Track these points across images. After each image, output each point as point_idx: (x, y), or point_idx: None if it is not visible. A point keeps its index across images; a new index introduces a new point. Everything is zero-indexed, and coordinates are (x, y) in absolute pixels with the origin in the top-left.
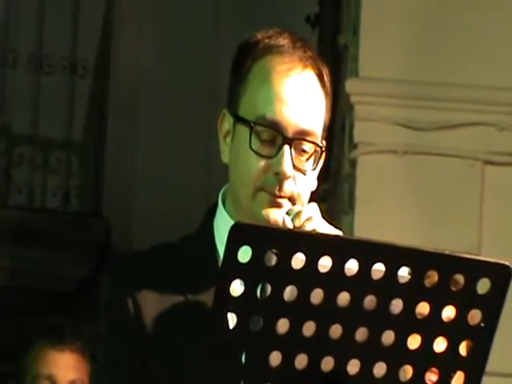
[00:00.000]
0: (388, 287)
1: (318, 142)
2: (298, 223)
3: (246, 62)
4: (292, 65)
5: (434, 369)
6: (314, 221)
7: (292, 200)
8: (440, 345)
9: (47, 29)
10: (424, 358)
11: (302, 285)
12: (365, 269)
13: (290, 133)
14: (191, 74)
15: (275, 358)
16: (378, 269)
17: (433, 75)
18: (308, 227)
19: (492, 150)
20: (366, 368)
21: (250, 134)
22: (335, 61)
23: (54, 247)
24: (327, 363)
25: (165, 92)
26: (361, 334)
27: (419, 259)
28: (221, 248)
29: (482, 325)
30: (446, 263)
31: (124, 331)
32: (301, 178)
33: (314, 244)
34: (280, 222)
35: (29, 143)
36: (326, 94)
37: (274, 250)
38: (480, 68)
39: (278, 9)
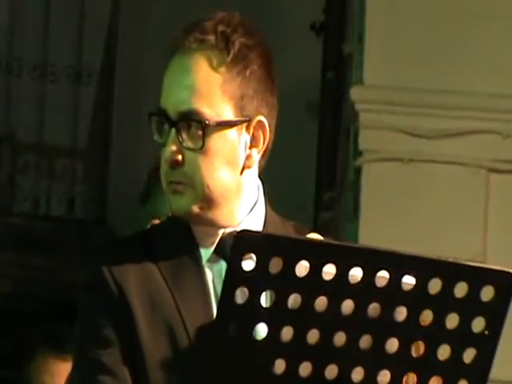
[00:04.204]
0: (392, 295)
1: (205, 118)
2: None
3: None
4: (181, 55)
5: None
6: None
7: (190, 182)
8: (443, 353)
9: (52, 37)
10: (428, 366)
11: (306, 292)
12: (369, 276)
13: (173, 117)
14: None
15: (279, 365)
16: (383, 276)
17: (437, 83)
18: None
19: (496, 157)
20: (370, 376)
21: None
22: (340, 68)
23: (58, 254)
24: (331, 371)
25: None
26: (365, 341)
27: (423, 267)
28: (195, 231)
29: (486, 332)
30: (450, 271)
31: (109, 307)
32: (194, 158)
33: (318, 251)
34: (182, 210)
35: (34, 151)
36: (228, 67)
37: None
38: (485, 76)
39: (282, 16)
